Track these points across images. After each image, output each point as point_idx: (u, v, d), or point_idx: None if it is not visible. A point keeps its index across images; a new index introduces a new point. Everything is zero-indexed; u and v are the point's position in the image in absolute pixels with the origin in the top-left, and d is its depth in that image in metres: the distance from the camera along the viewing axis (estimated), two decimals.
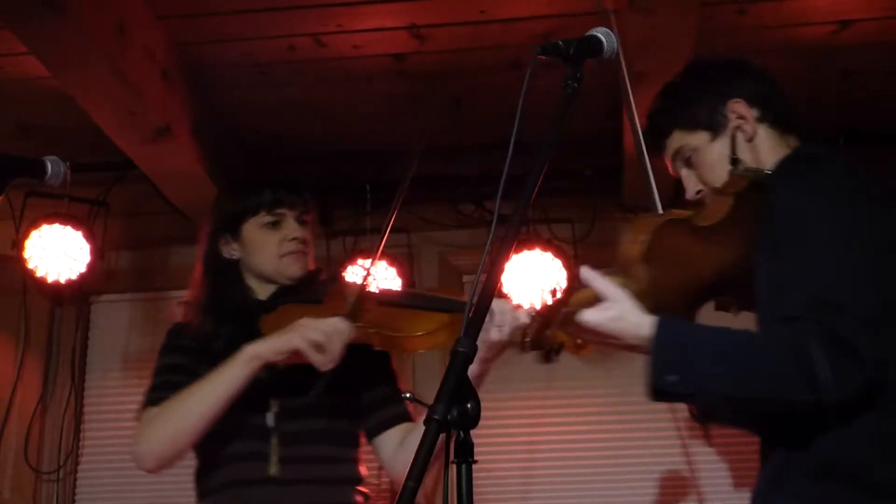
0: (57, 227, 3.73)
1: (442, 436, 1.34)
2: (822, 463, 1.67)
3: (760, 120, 1.94)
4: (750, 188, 1.81)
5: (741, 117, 1.94)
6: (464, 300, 2.15)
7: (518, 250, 3.62)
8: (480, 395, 1.38)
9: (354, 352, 2.18)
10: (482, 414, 1.37)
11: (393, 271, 3.74)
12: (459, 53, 3.33)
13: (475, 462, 1.39)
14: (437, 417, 1.32)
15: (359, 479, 2.32)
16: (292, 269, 2.35)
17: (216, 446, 2.25)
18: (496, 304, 2.02)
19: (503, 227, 1.50)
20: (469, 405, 1.35)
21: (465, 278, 4.02)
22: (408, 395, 3.37)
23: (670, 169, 2.03)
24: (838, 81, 3.46)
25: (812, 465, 1.67)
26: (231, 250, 2.38)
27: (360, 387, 2.33)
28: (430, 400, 1.37)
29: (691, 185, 1.98)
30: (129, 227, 4.08)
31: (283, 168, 3.90)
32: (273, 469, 2.21)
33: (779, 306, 1.65)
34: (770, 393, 1.61)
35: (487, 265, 1.47)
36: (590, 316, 1.70)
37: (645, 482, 3.76)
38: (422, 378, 3.75)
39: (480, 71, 3.42)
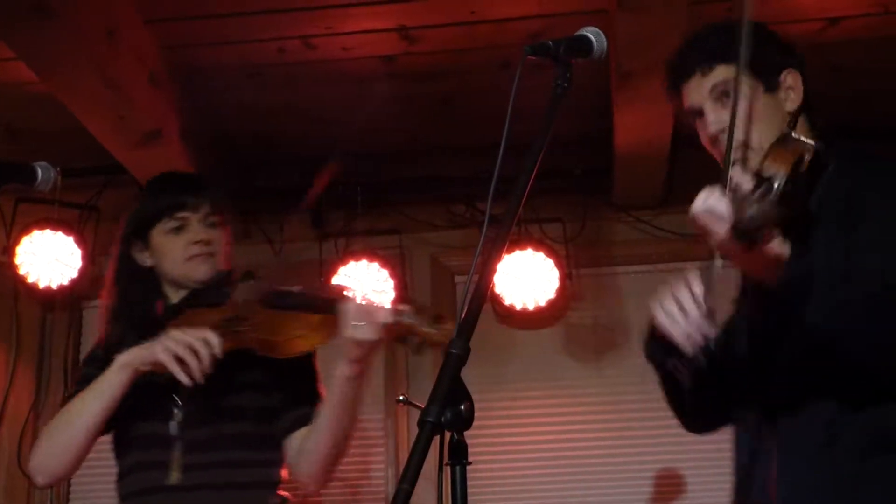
0: (48, 232, 3.72)
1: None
2: (878, 434, 1.67)
3: (804, 104, 1.93)
4: (814, 157, 1.79)
5: (791, 88, 1.92)
6: (337, 298, 2.09)
7: (510, 250, 3.62)
8: (473, 395, 1.38)
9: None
10: (475, 415, 1.37)
11: (385, 273, 3.74)
12: (450, 54, 3.32)
13: (469, 464, 1.39)
14: (430, 419, 1.31)
15: (275, 482, 2.27)
16: (198, 271, 2.30)
17: (126, 455, 2.28)
18: (352, 304, 2.02)
19: (495, 228, 1.49)
20: (462, 407, 1.35)
21: (458, 279, 4.02)
22: (401, 397, 3.40)
23: (686, 100, 1.95)
24: (826, 78, 3.46)
25: (866, 437, 1.67)
26: (144, 257, 2.35)
27: (274, 388, 2.27)
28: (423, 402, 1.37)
29: (716, 122, 1.89)
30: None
31: (274, 170, 3.90)
32: (174, 477, 2.18)
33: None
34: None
35: (479, 266, 1.47)
36: None
37: (639, 481, 3.77)
38: (416, 380, 3.75)
39: (471, 71, 3.42)
